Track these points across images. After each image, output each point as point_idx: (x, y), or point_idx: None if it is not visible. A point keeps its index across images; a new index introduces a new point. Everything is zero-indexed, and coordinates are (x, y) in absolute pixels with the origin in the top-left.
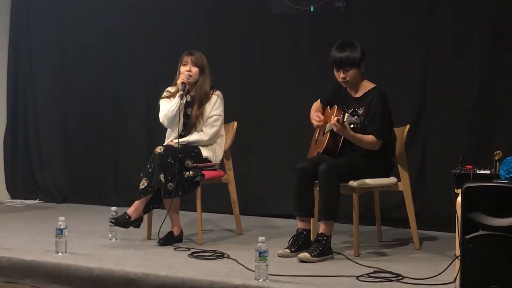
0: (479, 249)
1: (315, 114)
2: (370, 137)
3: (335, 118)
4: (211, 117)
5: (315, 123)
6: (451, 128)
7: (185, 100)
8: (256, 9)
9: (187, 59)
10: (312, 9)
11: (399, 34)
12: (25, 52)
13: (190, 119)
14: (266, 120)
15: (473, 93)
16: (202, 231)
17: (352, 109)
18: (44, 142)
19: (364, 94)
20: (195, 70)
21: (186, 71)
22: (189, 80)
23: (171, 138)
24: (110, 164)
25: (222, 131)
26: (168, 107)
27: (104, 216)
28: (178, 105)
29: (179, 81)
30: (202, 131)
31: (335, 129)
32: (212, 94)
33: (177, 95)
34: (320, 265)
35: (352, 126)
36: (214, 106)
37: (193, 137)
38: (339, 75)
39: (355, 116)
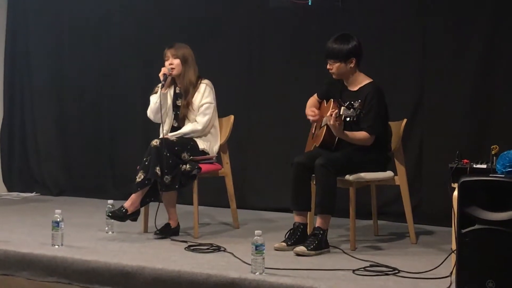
0: (475, 243)
1: (310, 110)
2: (362, 134)
3: (330, 112)
4: (202, 105)
5: (310, 118)
6: (448, 122)
7: (167, 91)
8: (254, 2)
9: (167, 52)
10: (309, 3)
11: (397, 28)
12: (22, 46)
13: (180, 110)
14: (263, 114)
15: (470, 87)
16: (198, 225)
17: (348, 102)
18: (41, 135)
19: (360, 88)
20: (176, 61)
21: (169, 64)
22: (170, 72)
23: (164, 131)
24: (107, 157)
25: (216, 123)
26: (153, 100)
27: (101, 209)
28: (159, 96)
29: (160, 74)
30: (195, 121)
31: (329, 123)
32: (200, 83)
33: (158, 86)
34: (317, 259)
35: (348, 119)
36: (204, 95)
37: (186, 128)
38: (327, 66)
39: (351, 109)
